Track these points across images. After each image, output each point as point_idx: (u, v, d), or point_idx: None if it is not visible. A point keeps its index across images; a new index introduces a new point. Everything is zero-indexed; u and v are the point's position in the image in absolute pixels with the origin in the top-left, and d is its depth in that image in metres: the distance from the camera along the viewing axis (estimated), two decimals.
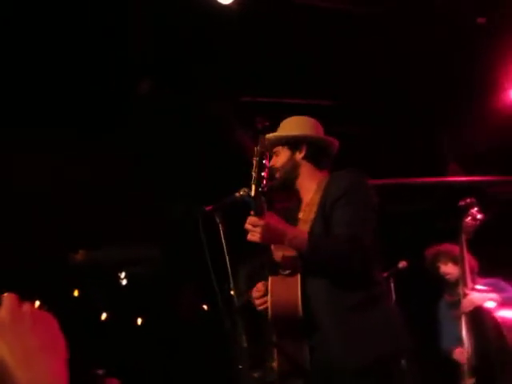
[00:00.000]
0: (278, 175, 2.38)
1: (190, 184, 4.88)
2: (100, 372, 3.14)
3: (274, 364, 2.16)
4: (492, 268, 3.78)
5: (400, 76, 4.61)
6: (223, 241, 2.30)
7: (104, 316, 7.87)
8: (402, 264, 4.05)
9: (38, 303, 6.53)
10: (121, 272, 7.68)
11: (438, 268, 3.79)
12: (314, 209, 2.30)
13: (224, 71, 4.41)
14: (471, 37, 4.23)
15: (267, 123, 2.28)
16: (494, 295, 3.44)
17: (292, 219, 2.37)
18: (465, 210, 3.53)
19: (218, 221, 2.31)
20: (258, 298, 2.35)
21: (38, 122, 4.40)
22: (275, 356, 2.17)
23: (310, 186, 2.37)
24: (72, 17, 3.77)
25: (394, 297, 3.87)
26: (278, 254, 2.34)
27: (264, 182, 2.14)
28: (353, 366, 2.11)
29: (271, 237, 2.14)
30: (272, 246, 2.34)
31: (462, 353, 3.42)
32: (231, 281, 2.38)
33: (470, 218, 3.51)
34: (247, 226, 2.14)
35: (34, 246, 5.16)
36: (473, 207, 3.52)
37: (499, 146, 4.92)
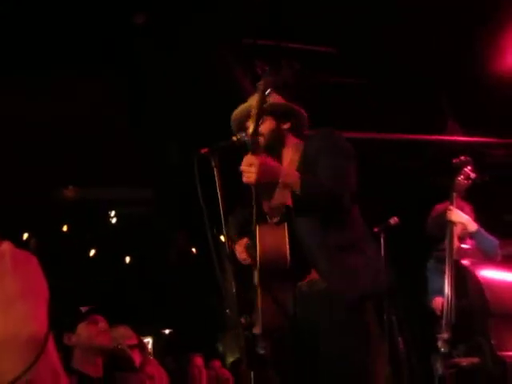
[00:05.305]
0: (262, 140, 2.40)
1: (186, 126, 4.82)
2: (83, 309, 3.15)
3: (258, 311, 2.20)
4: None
5: (403, 29, 4.50)
6: (218, 185, 2.27)
7: (92, 252, 7.92)
8: (394, 220, 3.96)
9: (26, 235, 6.55)
10: (111, 211, 7.67)
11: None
12: (294, 167, 2.37)
13: (225, 14, 4.28)
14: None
15: (267, 68, 2.25)
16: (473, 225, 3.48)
17: None
18: (458, 169, 3.51)
19: (214, 164, 2.27)
20: (240, 253, 2.42)
21: (34, 62, 4.30)
22: (259, 303, 2.20)
23: (288, 152, 2.45)
24: None
25: (383, 252, 3.86)
26: (266, 204, 2.38)
27: (262, 120, 2.14)
28: (343, 300, 2.22)
29: (266, 175, 2.16)
30: (261, 197, 2.35)
31: (439, 303, 3.47)
32: (223, 227, 2.38)
33: (462, 176, 3.50)
34: (243, 167, 2.15)
35: (25, 180, 5.14)
36: (466, 166, 3.50)
37: (499, 108, 4.86)
